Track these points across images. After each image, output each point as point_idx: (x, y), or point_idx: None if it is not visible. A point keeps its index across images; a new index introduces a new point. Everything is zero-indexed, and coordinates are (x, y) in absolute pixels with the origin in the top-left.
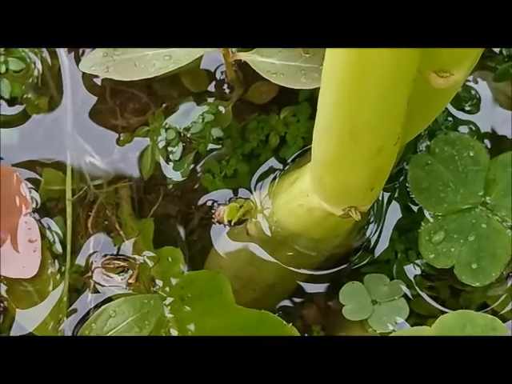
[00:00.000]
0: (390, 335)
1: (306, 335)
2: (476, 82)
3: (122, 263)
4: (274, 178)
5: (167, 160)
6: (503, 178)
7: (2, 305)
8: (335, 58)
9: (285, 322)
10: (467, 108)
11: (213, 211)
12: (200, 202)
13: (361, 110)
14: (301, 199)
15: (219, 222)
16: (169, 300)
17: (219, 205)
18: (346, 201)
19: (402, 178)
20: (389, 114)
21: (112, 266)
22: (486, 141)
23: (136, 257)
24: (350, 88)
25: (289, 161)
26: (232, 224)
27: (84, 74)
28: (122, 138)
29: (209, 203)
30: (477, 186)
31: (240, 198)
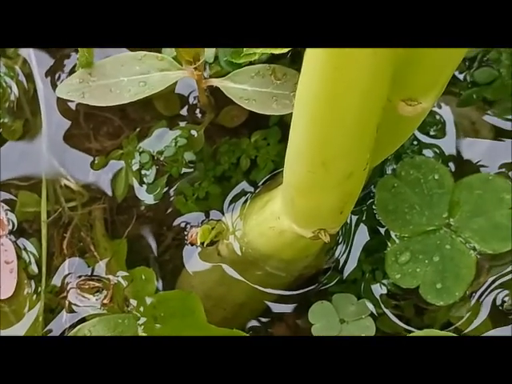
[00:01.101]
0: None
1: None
2: (440, 107)
3: (97, 284)
4: (246, 201)
5: (141, 182)
6: (467, 200)
7: None
8: (308, 86)
9: None
10: (432, 132)
11: (185, 233)
12: (173, 224)
13: (332, 137)
14: (272, 221)
15: (192, 244)
16: (142, 320)
17: (192, 227)
18: (315, 223)
19: (370, 200)
20: (359, 141)
21: (87, 286)
22: (451, 164)
23: (110, 277)
24: (321, 116)
25: (260, 183)
26: (204, 245)
27: (59, 98)
28: (96, 161)
29: (182, 225)
30: (441, 208)
31: (212, 219)
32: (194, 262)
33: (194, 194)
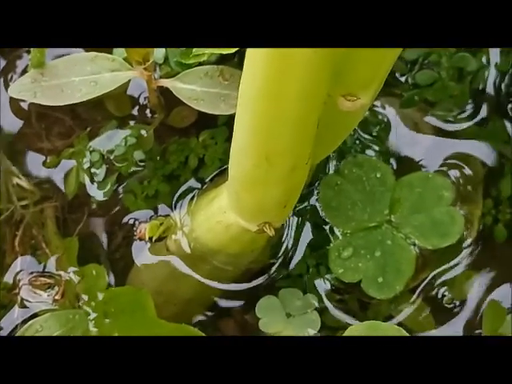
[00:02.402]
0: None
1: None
2: (384, 108)
3: (48, 280)
4: (193, 197)
5: (91, 181)
6: (408, 197)
7: None
8: (250, 82)
9: (204, 335)
10: (375, 133)
11: (134, 229)
12: (122, 221)
13: (275, 132)
14: (219, 216)
15: (140, 239)
16: (93, 315)
17: (140, 223)
18: (260, 217)
19: (314, 197)
20: (301, 136)
21: (38, 282)
22: (392, 163)
23: (61, 273)
24: (264, 111)
25: (207, 180)
26: (153, 241)
27: (11, 98)
28: (47, 160)
29: (131, 221)
30: (383, 205)
31: (160, 215)
32: (143, 258)
33: (144, 192)
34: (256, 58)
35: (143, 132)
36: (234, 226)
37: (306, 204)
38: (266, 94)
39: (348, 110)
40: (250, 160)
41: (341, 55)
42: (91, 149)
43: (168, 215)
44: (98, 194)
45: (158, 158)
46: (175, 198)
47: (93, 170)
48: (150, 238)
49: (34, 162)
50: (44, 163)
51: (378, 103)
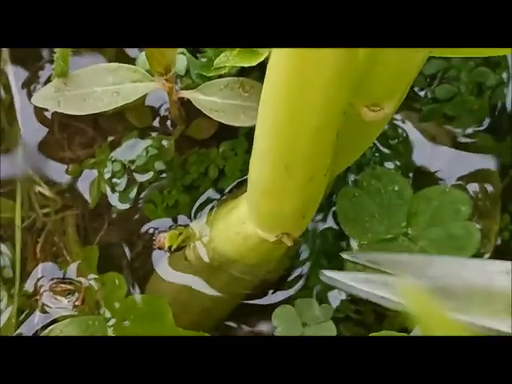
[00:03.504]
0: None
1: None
2: (403, 122)
3: (69, 286)
4: (212, 208)
5: (112, 190)
6: (425, 211)
7: None
8: (271, 90)
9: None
10: (393, 145)
11: (154, 238)
12: (142, 230)
13: (294, 141)
14: (237, 227)
15: (160, 248)
16: (112, 321)
17: (160, 232)
18: (279, 227)
19: (332, 208)
20: (320, 146)
21: (59, 288)
22: (410, 176)
23: (82, 280)
24: (284, 120)
25: (226, 191)
26: (172, 250)
27: (35, 108)
28: (69, 170)
29: (150, 231)
30: (400, 217)
31: (180, 225)
32: (162, 268)
33: (164, 202)
34: (277, 66)
35: (164, 143)
36: (252, 236)
37: (323, 214)
38: (286, 103)
39: (371, 121)
40: (269, 169)
41: (364, 64)
42: (113, 159)
43: (187, 225)
44: (118, 204)
45: (179, 168)
46: (194, 209)
47: (114, 180)
48: (170, 247)
49: (56, 170)
50: (66, 172)
51: (397, 116)
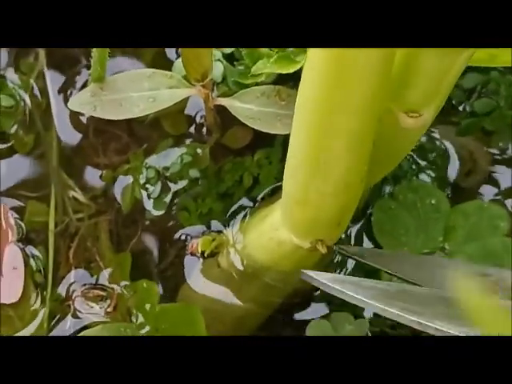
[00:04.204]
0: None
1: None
2: (441, 135)
3: (101, 292)
4: (246, 215)
5: (146, 197)
6: (462, 226)
7: None
8: (307, 96)
9: None
10: (431, 158)
11: (187, 243)
12: (175, 238)
13: (330, 146)
14: (271, 233)
15: (192, 254)
16: (144, 330)
17: (192, 238)
18: (313, 234)
19: (367, 220)
20: (356, 151)
21: (91, 294)
22: (448, 190)
23: (114, 287)
24: (320, 126)
25: (260, 197)
26: (205, 256)
27: (70, 113)
28: (103, 175)
29: (183, 238)
30: (436, 232)
31: (213, 231)
32: (194, 276)
33: (198, 210)
34: (312, 69)
35: (199, 150)
36: (286, 242)
37: (358, 227)
38: (321, 107)
39: (409, 127)
40: (305, 174)
41: (402, 70)
42: (147, 165)
43: (220, 231)
44: (152, 210)
45: (213, 176)
46: (228, 216)
47: (148, 186)
48: (202, 253)
49: (91, 176)
50: (100, 178)
51: (435, 129)
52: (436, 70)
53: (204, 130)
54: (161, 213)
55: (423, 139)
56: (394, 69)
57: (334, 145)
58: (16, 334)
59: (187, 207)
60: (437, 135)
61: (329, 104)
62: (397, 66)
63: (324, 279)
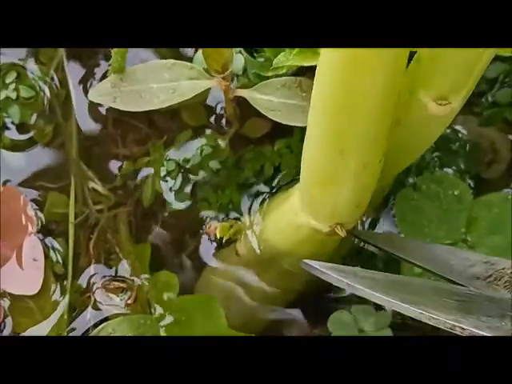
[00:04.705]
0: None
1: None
2: (463, 126)
3: (122, 284)
4: (263, 200)
5: (166, 189)
6: (485, 217)
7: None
8: (325, 75)
9: None
10: (454, 149)
11: (205, 225)
12: (196, 230)
13: (349, 126)
14: (290, 217)
15: (208, 234)
16: (164, 321)
17: (211, 219)
18: (332, 217)
19: (390, 210)
20: (375, 131)
21: (112, 286)
22: (470, 181)
23: (134, 279)
24: (339, 106)
25: (276, 184)
26: (223, 241)
27: (90, 104)
28: (123, 167)
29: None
30: (459, 223)
31: (231, 219)
32: (213, 265)
33: (218, 201)
34: (331, 50)
35: (219, 141)
36: (304, 226)
37: (380, 216)
38: (340, 88)
39: (437, 115)
40: (323, 155)
41: (431, 57)
42: (168, 158)
43: (238, 218)
44: (172, 202)
45: (233, 167)
46: (248, 206)
47: (168, 178)
48: (220, 239)
49: (110, 167)
50: (119, 169)
51: (457, 121)
52: (465, 58)
53: (223, 121)
54: (181, 204)
55: (446, 130)
56: (422, 57)
57: (353, 124)
58: (36, 326)
59: (207, 199)
60: (459, 126)
61: (346, 84)
62: (426, 53)
63: (323, 268)
